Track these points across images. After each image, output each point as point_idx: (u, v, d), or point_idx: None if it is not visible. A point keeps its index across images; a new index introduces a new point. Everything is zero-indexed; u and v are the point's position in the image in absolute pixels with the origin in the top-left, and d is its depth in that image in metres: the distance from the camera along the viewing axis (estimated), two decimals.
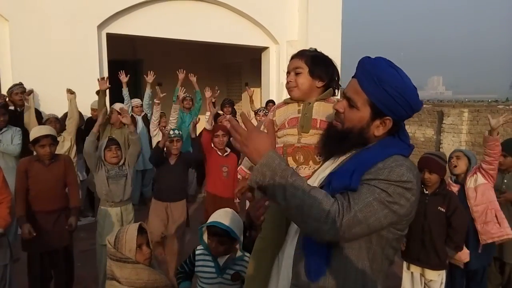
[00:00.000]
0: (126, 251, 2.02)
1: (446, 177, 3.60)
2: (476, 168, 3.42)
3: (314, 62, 1.65)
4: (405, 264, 3.36)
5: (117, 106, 5.56)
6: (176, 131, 4.07)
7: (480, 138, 9.23)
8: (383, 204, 1.25)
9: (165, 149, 4.05)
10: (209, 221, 2.32)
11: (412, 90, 1.33)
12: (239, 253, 2.38)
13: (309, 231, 1.29)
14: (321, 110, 1.63)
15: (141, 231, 2.10)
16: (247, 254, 2.40)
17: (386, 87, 1.30)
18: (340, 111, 1.41)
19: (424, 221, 3.11)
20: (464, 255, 3.24)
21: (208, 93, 6.13)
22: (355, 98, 1.36)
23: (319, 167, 1.56)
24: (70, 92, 5.11)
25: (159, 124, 6.30)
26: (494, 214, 3.34)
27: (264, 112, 6.41)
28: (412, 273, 3.31)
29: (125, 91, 6.32)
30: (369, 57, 1.39)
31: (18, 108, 5.18)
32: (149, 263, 2.10)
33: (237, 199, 3.85)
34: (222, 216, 2.31)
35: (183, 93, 6.55)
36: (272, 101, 7.84)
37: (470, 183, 3.39)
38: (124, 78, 6.11)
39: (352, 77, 1.41)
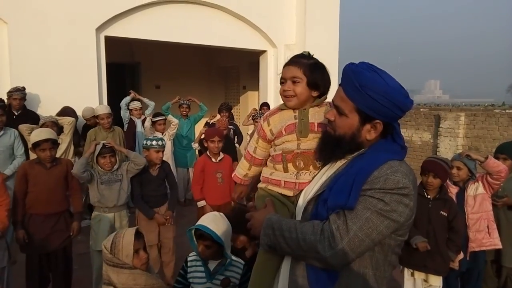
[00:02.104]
0: (123, 256, 2.00)
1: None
2: (480, 177, 3.44)
3: (312, 73, 1.62)
4: (407, 271, 3.33)
5: (102, 112, 5.58)
6: (160, 142, 3.89)
7: (477, 142, 9.28)
8: (382, 216, 1.26)
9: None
10: (196, 223, 2.33)
11: (397, 90, 1.33)
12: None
13: (321, 264, 1.33)
14: (317, 115, 1.64)
15: (138, 235, 2.08)
16: (236, 259, 2.40)
17: (369, 92, 1.31)
18: (331, 120, 1.44)
19: (428, 226, 3.12)
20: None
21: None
22: (342, 106, 1.39)
23: (318, 172, 1.58)
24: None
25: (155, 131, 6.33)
26: (486, 224, 3.40)
27: (257, 117, 6.43)
28: (414, 279, 3.30)
29: (126, 100, 6.39)
30: (352, 63, 1.40)
31: (15, 112, 5.19)
32: (146, 267, 2.09)
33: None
34: (209, 220, 2.30)
35: (181, 100, 6.70)
36: (266, 104, 7.86)
37: (471, 190, 3.42)
38: (133, 93, 6.62)
39: (339, 84, 1.43)
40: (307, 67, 1.63)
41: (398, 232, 1.33)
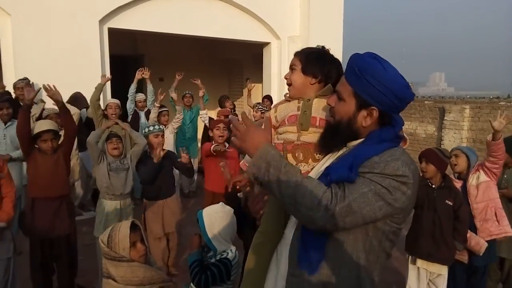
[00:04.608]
0: (120, 249, 2.00)
1: (449, 174, 3.60)
2: (479, 165, 3.41)
3: (307, 59, 1.63)
4: (411, 259, 3.34)
5: (112, 102, 5.58)
6: (156, 127, 4.04)
7: (481, 134, 9.22)
8: (378, 196, 1.27)
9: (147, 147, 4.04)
10: (204, 218, 2.36)
11: (396, 79, 1.35)
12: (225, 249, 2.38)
13: (303, 220, 1.34)
14: (321, 108, 1.61)
15: (134, 228, 2.07)
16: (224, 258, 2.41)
17: (367, 77, 1.34)
18: (332, 105, 1.46)
19: (434, 215, 3.14)
20: (482, 246, 3.24)
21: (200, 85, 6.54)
22: (341, 90, 1.41)
23: (318, 164, 1.58)
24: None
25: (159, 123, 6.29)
26: (494, 212, 3.33)
27: (257, 107, 6.20)
28: (418, 268, 3.31)
29: (133, 87, 6.34)
30: (357, 53, 1.43)
31: (21, 103, 5.20)
32: (144, 260, 2.08)
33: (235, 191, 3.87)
34: (215, 223, 2.34)
35: (185, 92, 6.67)
36: (268, 97, 7.76)
37: (472, 180, 3.39)
38: (140, 74, 6.24)
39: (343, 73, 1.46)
40: (303, 55, 1.66)
41: (393, 219, 1.33)
